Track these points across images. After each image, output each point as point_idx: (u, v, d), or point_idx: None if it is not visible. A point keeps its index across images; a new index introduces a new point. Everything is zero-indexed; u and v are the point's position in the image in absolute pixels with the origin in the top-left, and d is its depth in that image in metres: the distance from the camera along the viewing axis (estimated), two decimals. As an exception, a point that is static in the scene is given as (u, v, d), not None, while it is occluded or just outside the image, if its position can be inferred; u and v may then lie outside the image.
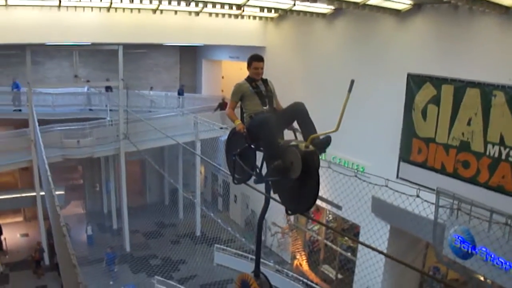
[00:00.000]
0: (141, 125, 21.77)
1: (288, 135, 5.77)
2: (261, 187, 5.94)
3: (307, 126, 5.69)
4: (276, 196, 5.59)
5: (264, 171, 5.72)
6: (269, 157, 5.44)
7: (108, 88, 25.44)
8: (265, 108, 6.10)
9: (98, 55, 26.76)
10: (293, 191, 5.22)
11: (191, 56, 29.76)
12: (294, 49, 20.02)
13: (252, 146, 5.91)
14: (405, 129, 13.92)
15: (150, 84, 28.86)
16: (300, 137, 5.64)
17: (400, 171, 14.12)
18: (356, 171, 14.41)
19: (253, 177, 5.98)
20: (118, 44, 20.61)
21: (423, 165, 13.38)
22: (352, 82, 4.66)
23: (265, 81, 6.34)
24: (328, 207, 18.06)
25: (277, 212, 18.28)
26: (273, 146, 5.40)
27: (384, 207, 14.52)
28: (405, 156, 14.00)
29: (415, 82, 13.47)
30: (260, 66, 6.28)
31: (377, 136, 15.46)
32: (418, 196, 10.97)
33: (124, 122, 21.96)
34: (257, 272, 6.45)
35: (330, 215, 19.41)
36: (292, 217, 19.56)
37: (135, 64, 28.24)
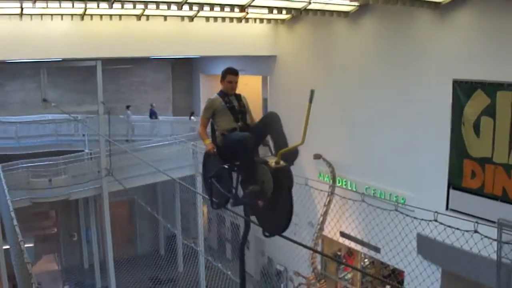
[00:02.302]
0: (127, 158, 21.86)
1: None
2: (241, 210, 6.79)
3: (279, 140, 6.42)
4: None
5: (240, 192, 6.41)
6: (245, 178, 6.17)
7: (153, 115, 25.67)
8: (238, 124, 6.88)
9: (71, 73, 27.08)
10: (268, 212, 5.92)
11: (185, 71, 30.05)
12: (311, 56, 20.11)
13: (226, 166, 6.60)
14: (453, 149, 13.86)
15: (135, 107, 29.05)
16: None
17: (451, 200, 14.01)
18: (396, 203, 14.32)
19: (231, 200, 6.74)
20: (96, 59, 20.84)
21: (479, 192, 13.27)
22: (312, 92, 5.41)
23: (238, 96, 7.21)
24: (364, 249, 17.92)
25: (300, 259, 18.28)
26: (250, 167, 6.10)
27: (433, 247, 14.36)
28: (455, 182, 13.91)
29: (463, 90, 13.45)
30: (234, 80, 7.18)
31: (419, 159, 15.39)
32: (476, 231, 10.83)
33: (106, 155, 22.07)
34: None
35: (366, 260, 19.25)
36: (319, 265, 19.42)
37: (116, 83, 28.56)
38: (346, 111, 18.14)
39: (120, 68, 27.87)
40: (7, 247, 18.85)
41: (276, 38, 21.32)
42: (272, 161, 5.85)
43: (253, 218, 6.64)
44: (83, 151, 24.95)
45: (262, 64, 22.61)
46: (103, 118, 21.89)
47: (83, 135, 26.02)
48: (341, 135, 18.45)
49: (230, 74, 7.24)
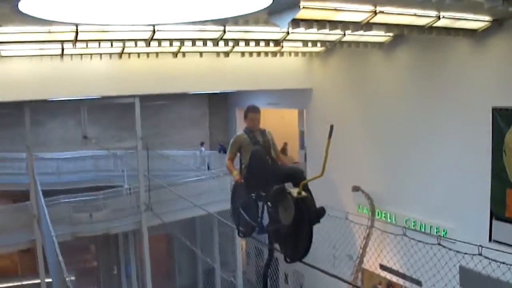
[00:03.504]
0: (166, 193, 21.87)
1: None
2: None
3: (295, 174, 6.84)
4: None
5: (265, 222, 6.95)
6: (265, 186, 6.68)
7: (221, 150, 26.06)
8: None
9: (110, 110, 27.40)
10: (289, 239, 6.38)
11: (222, 105, 30.19)
12: (346, 87, 19.98)
13: (253, 195, 7.09)
14: (495, 178, 13.52)
15: (173, 142, 29.22)
16: None
17: (494, 231, 13.63)
18: (438, 236, 13.96)
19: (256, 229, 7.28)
20: (134, 96, 21.03)
21: (524, 223, 12.91)
22: (332, 127, 5.88)
23: (263, 132, 7.74)
24: (405, 283, 17.50)
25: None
26: (264, 177, 6.73)
27: (476, 280, 13.94)
28: (498, 212, 13.55)
29: (503, 117, 13.16)
30: (256, 118, 7.74)
31: (459, 189, 15.02)
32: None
33: (145, 190, 22.12)
34: None
35: (407, 293, 18.82)
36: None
37: (154, 119, 28.76)
38: (383, 142, 17.90)
39: (157, 104, 28.09)
40: (49, 280, 18.98)
41: (311, 70, 21.24)
42: (295, 191, 6.25)
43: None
44: (122, 186, 25.08)
45: (298, 97, 22.53)
46: (142, 153, 21.98)
47: (122, 170, 26.17)
48: (379, 167, 18.18)
49: (251, 113, 7.77)
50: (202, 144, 28.80)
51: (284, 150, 24.97)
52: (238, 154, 7.68)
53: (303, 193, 6.24)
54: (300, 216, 6.18)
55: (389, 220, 17.32)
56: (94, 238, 25.19)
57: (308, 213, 6.18)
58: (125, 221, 22.97)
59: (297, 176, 6.74)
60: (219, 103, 29.92)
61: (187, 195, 19.58)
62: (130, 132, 23.36)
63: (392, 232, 14.38)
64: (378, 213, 17.93)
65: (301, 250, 6.37)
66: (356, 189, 18.46)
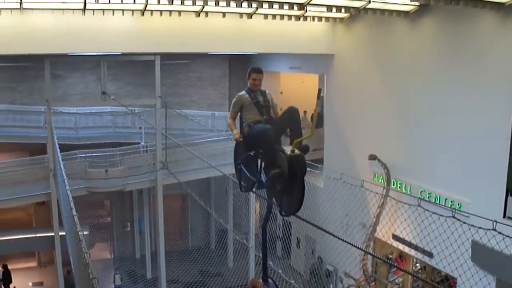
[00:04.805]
0: (182, 152, 22.00)
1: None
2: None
3: (295, 133, 7.28)
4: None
5: (264, 177, 7.37)
6: (267, 164, 7.10)
7: None
8: (263, 117, 7.82)
9: (130, 67, 27.45)
10: (284, 195, 6.92)
11: (242, 68, 30.06)
12: (369, 55, 19.86)
13: (252, 154, 7.48)
14: (514, 154, 13.45)
15: (192, 101, 29.29)
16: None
17: (509, 208, 13.63)
18: (452, 209, 14.00)
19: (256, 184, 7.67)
20: (155, 54, 21.06)
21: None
22: (320, 90, 6.41)
23: (263, 93, 8.14)
24: (416, 254, 17.62)
25: (350, 260, 18.08)
26: (271, 155, 6.99)
27: (488, 255, 13.99)
28: (514, 188, 13.49)
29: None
30: (258, 78, 8.10)
31: (477, 163, 15.00)
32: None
33: (162, 149, 22.27)
34: (265, 277, 8.63)
35: (418, 264, 18.91)
36: (369, 267, 19.19)
37: (174, 78, 28.80)
38: (403, 111, 17.85)
39: (178, 63, 28.12)
40: (63, 233, 19.31)
41: (334, 36, 21.10)
42: (289, 150, 6.70)
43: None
44: (139, 143, 25.28)
45: (320, 62, 22.44)
46: (160, 112, 22.08)
47: (140, 128, 26.35)
48: (397, 136, 18.17)
49: (254, 73, 8.16)
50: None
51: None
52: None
53: (296, 151, 6.67)
54: (292, 172, 6.62)
55: (404, 191, 17.37)
56: (109, 194, 25.49)
57: (300, 170, 6.62)
58: (141, 178, 23.19)
59: (292, 119, 7.42)
60: (239, 65, 29.79)
61: (203, 155, 19.68)
62: (149, 90, 23.51)
63: (406, 202, 14.43)
64: (393, 182, 17.98)
65: (295, 204, 6.84)
66: (372, 157, 18.48)
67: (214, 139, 24.79)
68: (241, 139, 7.74)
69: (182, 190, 24.29)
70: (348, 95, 20.72)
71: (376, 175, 18.74)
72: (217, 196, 28.06)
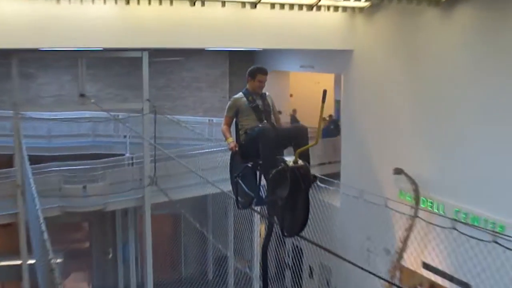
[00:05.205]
0: (174, 166, 21.99)
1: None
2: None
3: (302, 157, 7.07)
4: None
5: (264, 192, 7.56)
6: (267, 172, 7.04)
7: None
8: (263, 123, 7.78)
9: (113, 65, 27.52)
10: (286, 212, 6.83)
11: (245, 66, 29.97)
12: (394, 52, 19.83)
13: (250, 165, 7.66)
14: None
15: (187, 106, 29.30)
16: None
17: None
18: (493, 233, 13.96)
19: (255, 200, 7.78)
20: (142, 50, 21.08)
21: None
22: (325, 92, 6.25)
23: (263, 95, 8.16)
24: (453, 286, 17.55)
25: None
26: (271, 160, 7.00)
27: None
28: None
29: None
30: (264, 80, 8.11)
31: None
32: None
33: (150, 161, 22.28)
34: None
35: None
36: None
37: (165, 78, 28.85)
38: (433, 117, 17.78)
39: (169, 60, 28.16)
40: (32, 261, 19.26)
41: (353, 29, 21.09)
42: (291, 160, 6.74)
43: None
44: (123, 155, 25.28)
45: (336, 60, 22.47)
46: (149, 118, 22.08)
47: (125, 137, 26.36)
48: (427, 146, 18.11)
49: (261, 74, 8.14)
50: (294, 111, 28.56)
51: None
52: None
53: (300, 162, 6.71)
54: (296, 186, 6.61)
55: (436, 210, 17.29)
56: (87, 215, 25.43)
57: (304, 183, 6.62)
58: (125, 196, 23.19)
59: (300, 137, 7.26)
60: (242, 64, 29.80)
61: (199, 169, 19.69)
62: (136, 92, 23.54)
63: (439, 225, 14.36)
64: (423, 201, 17.91)
65: (299, 223, 6.80)
66: (398, 171, 18.43)
67: (212, 150, 24.76)
68: (236, 149, 7.79)
69: (174, 209, 24.26)
70: (369, 98, 20.69)
71: (403, 192, 18.68)
72: (215, 217, 28.02)
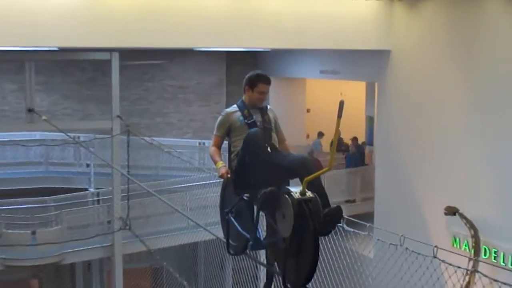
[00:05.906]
0: (154, 204, 22.02)
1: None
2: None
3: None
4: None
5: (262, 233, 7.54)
6: (255, 194, 6.98)
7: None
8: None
9: (72, 71, 27.63)
10: (290, 257, 6.70)
11: (246, 73, 30.20)
12: (444, 51, 19.87)
13: (245, 197, 7.40)
14: None
15: (170, 124, 29.39)
16: None
17: None
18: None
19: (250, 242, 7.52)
20: (111, 50, 21.17)
21: None
22: (342, 103, 5.93)
23: (262, 109, 7.99)
24: None
25: None
26: (260, 173, 6.98)
27: None
28: None
29: None
30: (267, 91, 8.01)
31: None
32: None
33: (122, 198, 22.29)
34: None
35: None
36: None
37: (142, 88, 28.96)
38: (500, 140, 17.80)
39: (147, 64, 28.26)
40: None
41: (390, 24, 21.18)
42: (297, 191, 6.48)
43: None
44: (86, 190, 25.33)
45: (368, 64, 22.56)
46: (120, 140, 22.10)
47: (88, 165, 26.43)
48: (490, 179, 18.12)
49: (264, 84, 7.96)
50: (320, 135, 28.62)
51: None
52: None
53: (308, 194, 6.47)
54: (302, 225, 6.42)
55: (502, 263, 17.29)
56: (37, 270, 25.47)
57: (313, 221, 6.38)
58: (89, 244, 23.16)
59: (305, 170, 6.85)
60: (242, 69, 30.00)
61: (187, 208, 19.70)
62: (102, 107, 23.61)
63: (506, 283, 14.36)
64: (485, 250, 17.91)
65: (305, 272, 6.58)
66: (451, 212, 18.42)
67: (204, 182, 24.78)
68: (229, 175, 7.58)
69: (154, 262, 24.28)
70: (412, 114, 20.69)
71: (458, 239, 18.69)
72: (209, 271, 28.05)
